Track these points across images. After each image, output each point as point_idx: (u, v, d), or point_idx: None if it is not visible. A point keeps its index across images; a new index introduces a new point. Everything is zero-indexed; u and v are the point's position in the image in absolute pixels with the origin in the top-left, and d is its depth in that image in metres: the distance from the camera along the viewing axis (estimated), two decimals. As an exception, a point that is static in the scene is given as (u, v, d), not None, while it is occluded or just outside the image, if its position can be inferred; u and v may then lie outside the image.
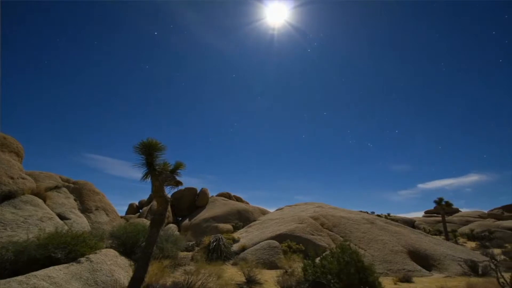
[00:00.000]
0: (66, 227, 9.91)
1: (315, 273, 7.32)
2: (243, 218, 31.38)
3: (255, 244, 14.42)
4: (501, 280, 6.56)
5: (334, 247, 7.74)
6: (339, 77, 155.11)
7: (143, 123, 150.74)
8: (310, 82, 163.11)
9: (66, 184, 15.86)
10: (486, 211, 50.65)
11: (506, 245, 22.61)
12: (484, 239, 27.65)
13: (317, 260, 7.80)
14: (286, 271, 10.21)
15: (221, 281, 7.40)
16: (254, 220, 26.61)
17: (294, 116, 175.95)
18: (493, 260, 8.15)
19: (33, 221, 9.67)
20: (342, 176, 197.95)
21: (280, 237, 15.04)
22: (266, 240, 14.68)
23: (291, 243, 14.15)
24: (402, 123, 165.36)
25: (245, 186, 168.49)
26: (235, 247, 15.07)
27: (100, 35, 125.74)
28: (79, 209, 14.38)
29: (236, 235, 19.91)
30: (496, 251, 17.13)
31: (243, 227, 25.64)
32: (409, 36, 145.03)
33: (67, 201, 13.83)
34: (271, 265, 12.13)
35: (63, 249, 6.37)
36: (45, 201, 12.05)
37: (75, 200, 14.90)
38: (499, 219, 42.69)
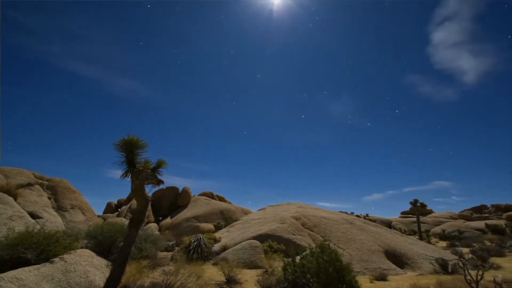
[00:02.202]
0: (38, 226, 9.46)
1: (295, 272, 7.42)
2: (225, 218, 31.28)
3: (237, 244, 14.41)
4: (468, 277, 6.97)
5: (314, 247, 7.88)
6: (341, 54, 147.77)
7: (128, 119, 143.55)
8: (311, 59, 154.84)
9: (40, 181, 15.13)
10: (457, 212, 53.65)
11: (474, 244, 23.94)
12: (454, 239, 29.22)
13: (297, 259, 7.92)
14: (267, 271, 10.29)
15: (200, 281, 7.34)
16: (237, 220, 26.57)
17: (294, 95, 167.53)
18: (462, 259, 8.65)
19: (2, 220, 9.17)
20: (333, 172, 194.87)
21: (261, 237, 15.12)
22: (247, 240, 14.70)
23: (272, 243, 14.26)
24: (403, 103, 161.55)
25: (237, 183, 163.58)
26: (216, 247, 15.00)
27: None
28: (53, 207, 13.75)
29: (217, 235, 19.80)
30: (465, 250, 18.13)
31: (225, 226, 25.52)
32: (413, 19, 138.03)
33: (40, 199, 13.19)
34: (252, 265, 12.17)
35: (34, 250, 6.09)
36: (15, 199, 11.46)
37: (49, 198, 14.24)
38: (468, 220, 45.28)
